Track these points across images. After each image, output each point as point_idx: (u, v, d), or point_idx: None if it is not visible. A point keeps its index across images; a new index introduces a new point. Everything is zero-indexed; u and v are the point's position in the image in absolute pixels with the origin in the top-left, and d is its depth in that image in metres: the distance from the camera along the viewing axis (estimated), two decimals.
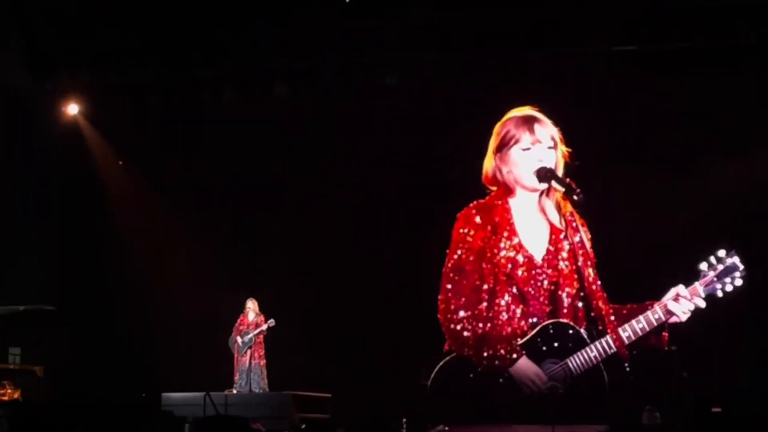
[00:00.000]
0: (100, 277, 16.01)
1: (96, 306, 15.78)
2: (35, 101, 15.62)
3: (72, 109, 16.03)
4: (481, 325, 4.55)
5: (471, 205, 4.78)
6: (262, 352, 15.35)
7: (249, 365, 15.26)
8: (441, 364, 4.60)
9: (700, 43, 13.36)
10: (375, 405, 13.80)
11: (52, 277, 16.16)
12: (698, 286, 4.61)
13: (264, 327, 15.26)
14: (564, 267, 4.68)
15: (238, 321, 15.49)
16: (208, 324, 15.86)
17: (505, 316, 4.58)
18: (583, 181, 4.63)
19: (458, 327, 4.56)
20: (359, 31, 14.30)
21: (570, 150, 4.78)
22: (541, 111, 4.88)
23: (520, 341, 4.54)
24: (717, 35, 13.23)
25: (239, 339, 15.34)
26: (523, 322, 4.60)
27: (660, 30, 13.37)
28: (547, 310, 4.63)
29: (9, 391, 13.59)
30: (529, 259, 4.65)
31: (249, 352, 15.29)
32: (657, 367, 4.74)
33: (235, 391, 14.99)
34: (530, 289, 4.62)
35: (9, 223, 15.67)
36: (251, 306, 15.45)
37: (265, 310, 15.49)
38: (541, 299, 4.64)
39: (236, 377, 15.32)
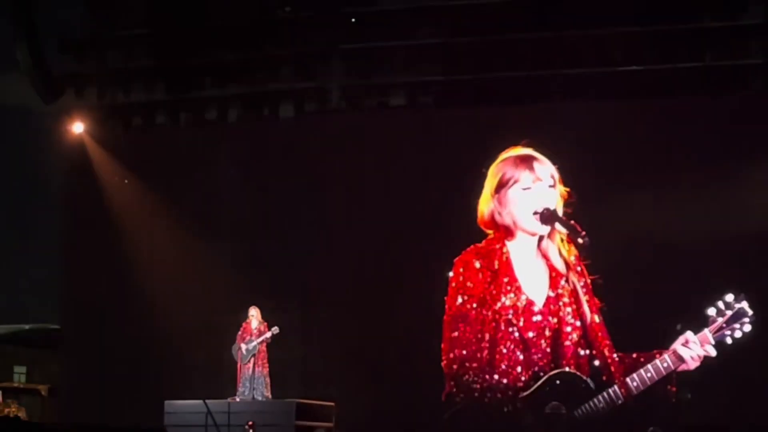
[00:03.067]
0: (104, 295, 15.86)
1: (101, 324, 15.64)
2: (41, 120, 15.53)
3: (77, 127, 15.92)
4: (487, 377, 4.34)
5: (468, 249, 4.49)
6: (266, 360, 15.21)
7: (252, 373, 15.12)
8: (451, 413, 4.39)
9: (707, 64, 13.17)
10: (379, 414, 13.67)
11: (57, 296, 16.04)
12: (708, 333, 4.36)
13: (268, 335, 15.10)
14: (566, 313, 4.41)
15: (241, 329, 15.35)
16: (212, 334, 15.75)
17: (506, 364, 4.36)
18: (581, 220, 4.40)
19: (464, 378, 4.31)
20: (366, 52, 14.18)
21: (568, 189, 4.56)
22: (538, 144, 4.66)
23: (525, 393, 4.31)
24: (724, 56, 13.05)
25: (243, 347, 15.19)
26: (524, 371, 4.35)
27: (665, 51, 13.19)
28: (550, 358, 4.34)
29: (13, 409, 13.45)
30: (530, 305, 4.37)
31: (252, 360, 15.15)
32: (661, 386, 4.48)
33: (238, 399, 14.88)
34: (532, 336, 4.38)
35: (14, 242, 15.57)
36: (254, 314, 15.31)
37: (267, 318, 15.35)
38: (543, 346, 4.35)
39: (239, 385, 15.19)
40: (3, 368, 15.01)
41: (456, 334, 4.35)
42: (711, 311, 4.40)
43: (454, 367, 4.32)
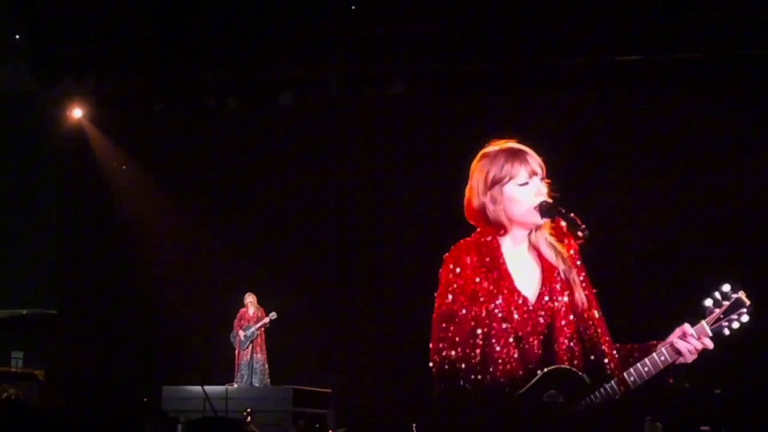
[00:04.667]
0: (102, 280, 15.80)
1: (98, 309, 15.58)
2: (40, 105, 15.41)
3: (76, 112, 15.83)
4: (480, 377, 4.20)
5: (458, 244, 4.31)
6: (263, 347, 15.18)
7: (250, 359, 15.08)
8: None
9: (706, 54, 13.05)
10: (376, 400, 13.63)
11: (54, 281, 15.98)
12: (705, 325, 4.24)
13: (266, 320, 15.06)
14: (560, 308, 4.25)
15: (239, 315, 15.30)
16: (211, 319, 15.71)
17: (501, 362, 4.16)
18: (573, 212, 4.27)
19: (454, 378, 4.19)
20: (365, 40, 14.05)
21: (548, 181, 4.41)
22: (534, 135, 4.54)
23: (520, 391, 4.17)
24: (722, 46, 12.93)
25: (241, 333, 15.14)
26: (519, 368, 4.20)
27: (665, 40, 13.08)
28: (544, 354, 4.21)
29: (11, 394, 13.37)
30: (524, 300, 4.23)
31: (250, 346, 15.11)
32: (659, 378, 4.38)
33: (236, 385, 14.83)
34: (526, 332, 4.23)
35: (12, 226, 15.49)
36: (251, 300, 15.26)
37: (265, 304, 15.29)
38: (538, 342, 4.22)
39: (237, 372, 15.14)
40: (0, 353, 14.95)
41: (445, 333, 4.21)
42: (708, 302, 4.29)
43: (445, 367, 4.17)
